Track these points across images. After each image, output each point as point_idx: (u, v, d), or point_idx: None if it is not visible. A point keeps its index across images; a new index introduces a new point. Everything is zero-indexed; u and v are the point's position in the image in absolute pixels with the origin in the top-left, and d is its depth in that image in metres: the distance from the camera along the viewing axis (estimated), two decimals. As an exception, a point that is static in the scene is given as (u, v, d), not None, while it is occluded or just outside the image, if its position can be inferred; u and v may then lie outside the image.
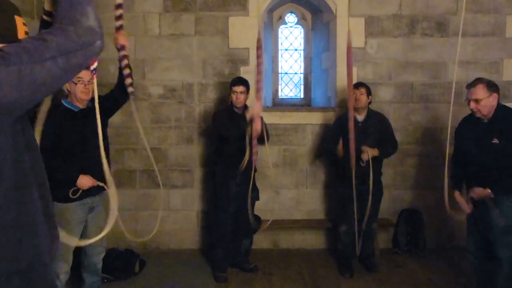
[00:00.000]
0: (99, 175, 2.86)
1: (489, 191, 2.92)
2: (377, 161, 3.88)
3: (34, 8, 3.67)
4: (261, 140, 3.51)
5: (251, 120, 3.34)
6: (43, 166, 1.33)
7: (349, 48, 2.86)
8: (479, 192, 2.98)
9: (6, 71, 1.04)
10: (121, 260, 3.93)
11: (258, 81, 2.81)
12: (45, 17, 1.34)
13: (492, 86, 2.95)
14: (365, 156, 3.76)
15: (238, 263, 4.11)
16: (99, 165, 2.32)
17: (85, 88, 2.91)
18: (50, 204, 1.36)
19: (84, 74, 2.87)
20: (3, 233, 1.16)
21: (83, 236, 3.06)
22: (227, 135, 3.79)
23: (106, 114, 2.99)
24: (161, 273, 4.06)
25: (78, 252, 3.18)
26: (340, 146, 3.93)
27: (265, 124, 3.72)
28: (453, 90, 2.81)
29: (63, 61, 1.11)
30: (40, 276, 1.27)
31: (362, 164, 3.76)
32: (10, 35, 1.25)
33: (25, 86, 1.06)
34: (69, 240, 2.97)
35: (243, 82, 3.87)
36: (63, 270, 2.99)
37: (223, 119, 3.85)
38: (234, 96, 3.83)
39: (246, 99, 3.89)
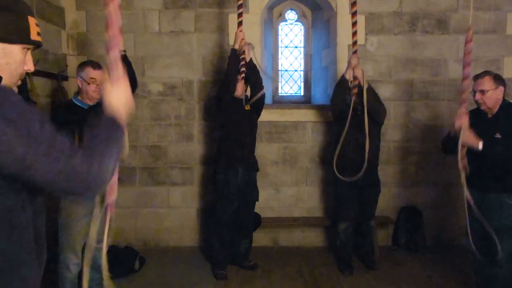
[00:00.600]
0: None
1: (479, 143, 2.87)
2: (374, 132, 3.83)
3: (34, 7, 3.66)
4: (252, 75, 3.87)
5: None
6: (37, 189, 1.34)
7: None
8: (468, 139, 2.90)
9: (18, 139, 1.04)
10: (121, 257, 3.93)
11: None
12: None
13: (499, 79, 2.97)
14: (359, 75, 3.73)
15: (237, 261, 4.12)
16: None
17: (97, 87, 3.01)
18: (43, 224, 1.35)
19: (98, 75, 2.99)
20: None
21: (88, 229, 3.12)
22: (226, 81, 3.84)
23: None
24: (160, 270, 4.06)
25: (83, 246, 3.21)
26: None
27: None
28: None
29: (63, 180, 1.11)
30: None
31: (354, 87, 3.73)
32: (23, 36, 1.25)
33: (19, 163, 1.05)
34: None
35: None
36: (73, 261, 3.06)
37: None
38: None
39: (243, 88, 3.93)
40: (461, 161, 2.92)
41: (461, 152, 2.90)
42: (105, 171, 1.18)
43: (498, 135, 2.92)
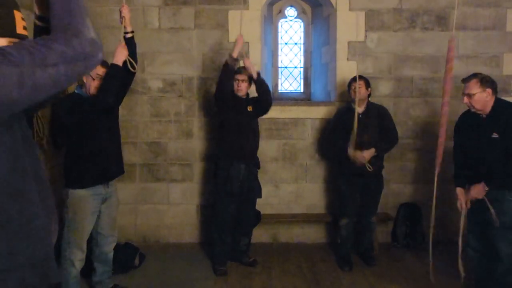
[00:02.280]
0: (116, 160, 3.23)
1: (484, 187, 2.97)
2: (377, 157, 3.89)
3: (33, 3, 3.65)
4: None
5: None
6: (40, 164, 1.36)
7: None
8: (475, 193, 3.04)
9: (7, 70, 1.04)
10: (121, 253, 3.93)
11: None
12: (37, 22, 1.34)
13: (486, 82, 2.98)
14: (360, 160, 3.79)
15: (237, 257, 4.13)
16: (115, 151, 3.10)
17: (98, 83, 3.05)
18: (50, 198, 1.38)
19: (103, 72, 3.04)
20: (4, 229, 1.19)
21: (96, 226, 3.18)
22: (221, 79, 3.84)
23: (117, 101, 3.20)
24: (160, 266, 4.07)
25: (90, 242, 3.28)
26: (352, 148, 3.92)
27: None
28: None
29: (65, 68, 1.12)
30: (50, 268, 1.32)
31: (369, 169, 3.82)
32: (8, 30, 1.25)
33: (26, 88, 1.07)
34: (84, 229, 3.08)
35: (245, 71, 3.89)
36: (78, 257, 3.11)
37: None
38: (235, 84, 3.85)
39: (247, 88, 3.91)
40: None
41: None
42: (86, 33, 1.17)
43: (495, 135, 2.94)
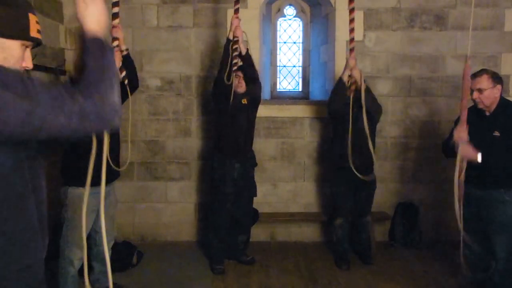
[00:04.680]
0: (114, 162, 3.16)
1: (476, 151, 2.87)
2: (371, 130, 3.81)
3: (32, 1, 3.65)
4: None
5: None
6: (41, 173, 1.36)
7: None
8: (464, 152, 2.90)
9: (18, 104, 1.03)
10: (119, 252, 3.93)
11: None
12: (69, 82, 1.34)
13: (496, 78, 2.98)
14: (350, 63, 3.73)
15: (235, 256, 4.13)
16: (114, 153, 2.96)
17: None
18: (45, 211, 1.39)
19: None
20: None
21: (94, 224, 3.17)
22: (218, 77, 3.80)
23: None
24: (158, 265, 4.07)
25: (88, 240, 3.25)
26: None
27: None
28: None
29: (76, 122, 1.11)
30: (40, 276, 1.34)
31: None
32: (22, 32, 1.24)
33: (29, 126, 1.05)
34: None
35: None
36: (77, 256, 3.08)
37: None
38: (236, 80, 3.81)
39: (242, 83, 3.89)
40: (459, 174, 2.89)
41: (459, 165, 2.89)
42: (110, 96, 1.17)
43: (496, 133, 2.93)
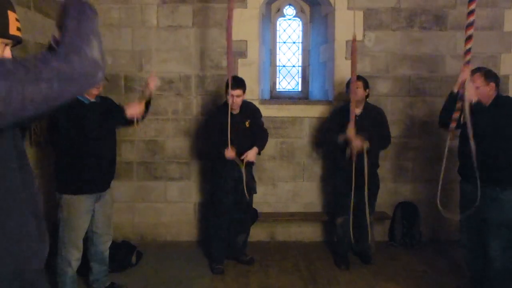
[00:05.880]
0: (105, 167, 3.20)
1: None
2: (372, 154, 3.86)
3: (31, 1, 3.64)
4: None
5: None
6: (30, 169, 1.36)
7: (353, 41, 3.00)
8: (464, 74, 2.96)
9: None
10: (118, 252, 3.93)
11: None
12: (53, 44, 1.33)
13: (490, 76, 3.02)
14: (356, 144, 3.71)
15: (234, 255, 4.13)
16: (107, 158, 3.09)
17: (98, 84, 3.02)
18: (39, 205, 1.37)
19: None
20: None
21: (91, 224, 3.17)
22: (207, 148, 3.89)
23: (113, 119, 3.26)
24: (158, 265, 4.07)
25: (85, 241, 3.26)
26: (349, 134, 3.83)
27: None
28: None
29: (59, 85, 1.08)
30: (29, 281, 1.31)
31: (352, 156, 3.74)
32: (1, 30, 1.23)
33: (13, 103, 1.03)
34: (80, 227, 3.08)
35: (240, 85, 3.77)
36: (75, 257, 3.10)
37: (213, 127, 3.85)
38: (230, 99, 3.71)
39: (242, 100, 3.84)
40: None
41: (467, 106, 2.86)
42: (88, 53, 1.13)
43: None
